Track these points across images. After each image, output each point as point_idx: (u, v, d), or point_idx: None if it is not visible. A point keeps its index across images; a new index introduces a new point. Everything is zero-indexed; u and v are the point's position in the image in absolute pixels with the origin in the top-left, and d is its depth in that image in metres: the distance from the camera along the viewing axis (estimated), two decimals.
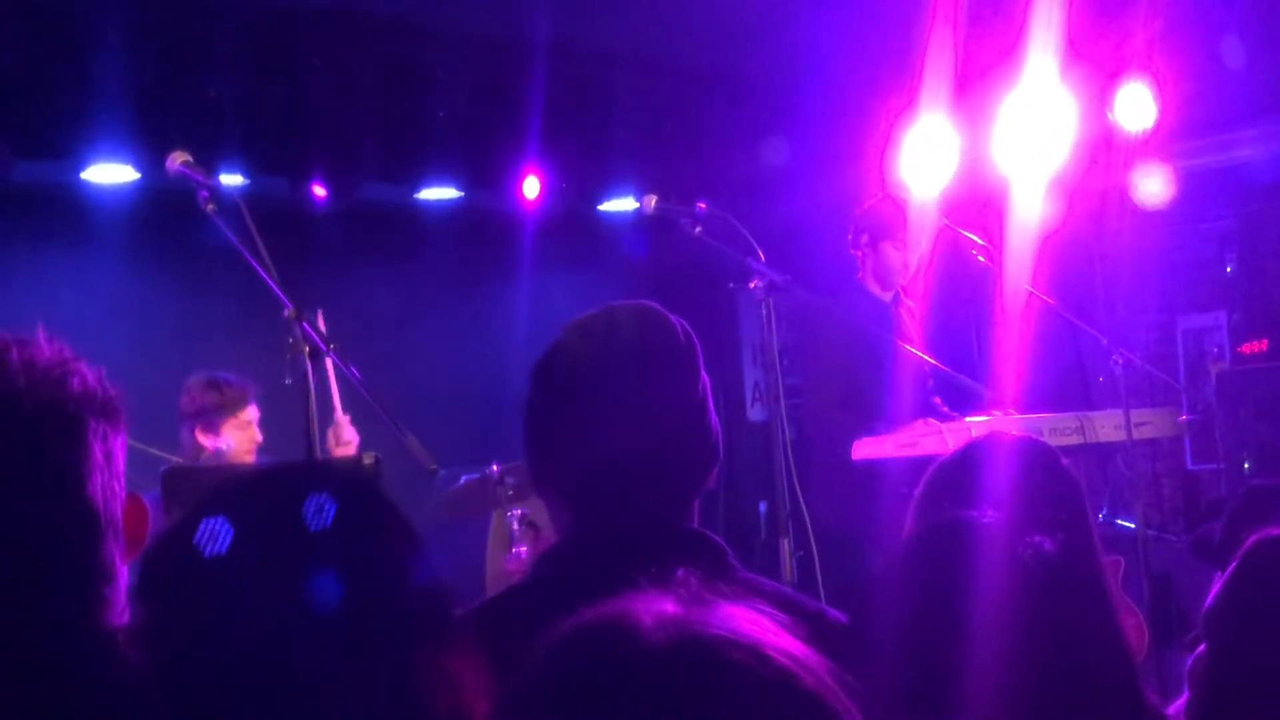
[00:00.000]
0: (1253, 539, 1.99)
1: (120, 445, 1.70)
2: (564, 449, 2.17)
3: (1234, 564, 1.98)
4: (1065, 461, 2.51)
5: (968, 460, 2.49)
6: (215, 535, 1.33)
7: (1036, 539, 1.70)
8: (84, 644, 1.62)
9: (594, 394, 2.16)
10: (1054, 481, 2.35)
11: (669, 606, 1.05)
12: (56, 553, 1.63)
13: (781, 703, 1.01)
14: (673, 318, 2.25)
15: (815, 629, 1.18)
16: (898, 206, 5.87)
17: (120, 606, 1.68)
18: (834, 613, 2.17)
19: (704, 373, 2.25)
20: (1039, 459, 2.45)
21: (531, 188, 7.11)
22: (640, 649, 1.01)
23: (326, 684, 1.31)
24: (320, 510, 1.34)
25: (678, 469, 2.19)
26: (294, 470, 1.43)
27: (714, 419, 2.25)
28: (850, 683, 1.07)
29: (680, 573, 1.09)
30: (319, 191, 6.76)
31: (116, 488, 1.68)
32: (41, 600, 1.62)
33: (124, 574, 1.71)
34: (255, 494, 1.40)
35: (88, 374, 1.67)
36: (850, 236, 5.97)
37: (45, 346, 1.66)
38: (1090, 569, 2.00)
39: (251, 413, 5.56)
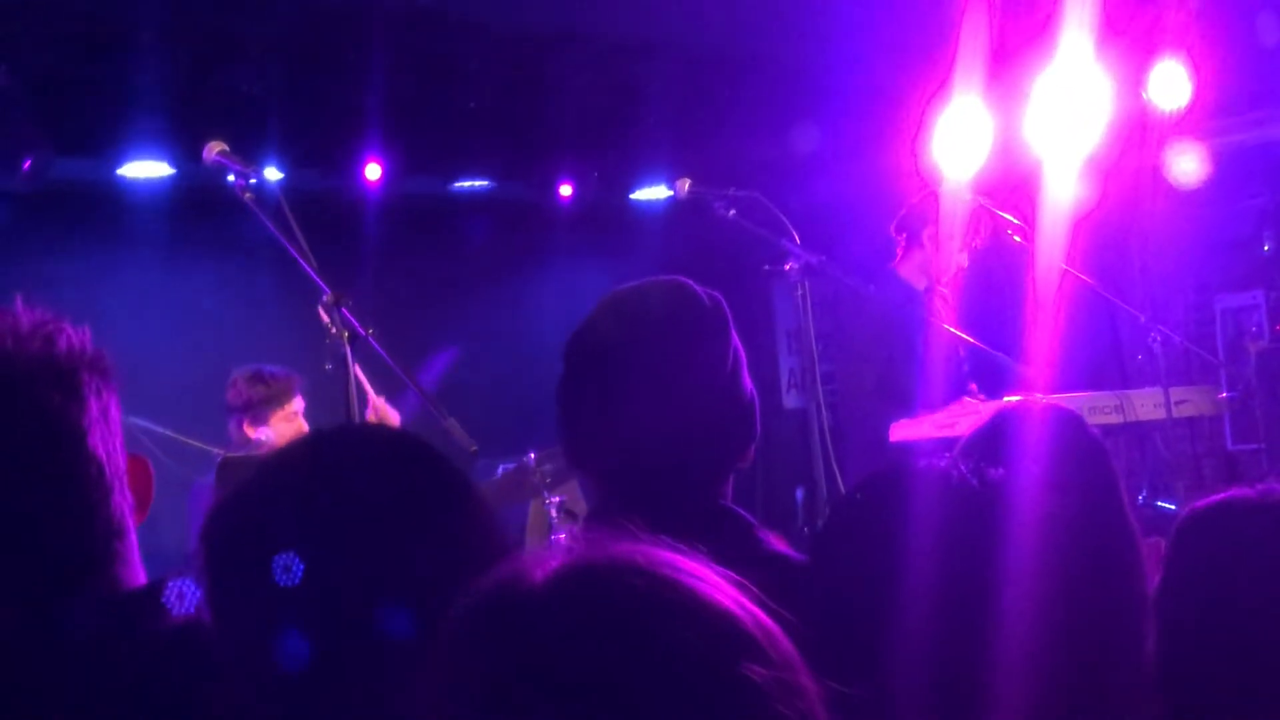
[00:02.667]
0: (1184, 513, 1.96)
1: (115, 404, 1.70)
2: (594, 424, 2.18)
3: (1170, 541, 1.96)
4: (1091, 427, 2.49)
5: (995, 427, 2.48)
6: (182, 595, 1.34)
7: (1057, 495, 1.69)
8: (97, 597, 1.63)
9: (624, 369, 2.16)
10: (1078, 445, 2.34)
11: (558, 555, 1.03)
12: (65, 506, 1.63)
13: (685, 623, 0.96)
14: (703, 292, 2.25)
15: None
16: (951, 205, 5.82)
17: (134, 562, 1.69)
18: (793, 554, 2.16)
19: (739, 348, 2.25)
20: (1064, 424, 2.44)
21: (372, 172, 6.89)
22: (522, 593, 0.99)
23: None
24: (288, 569, 1.34)
25: (709, 444, 2.18)
26: (265, 521, 1.42)
27: (749, 394, 2.24)
28: (794, 628, 1.02)
29: (569, 530, 1.07)
30: (373, 174, 6.77)
31: (116, 444, 1.68)
32: (52, 554, 1.63)
33: (132, 554, 1.71)
34: (224, 551, 1.40)
35: (73, 333, 1.68)
36: (896, 223, 5.93)
37: (26, 312, 1.67)
38: (1118, 529, 1.99)
39: (298, 404, 5.60)
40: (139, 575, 1.69)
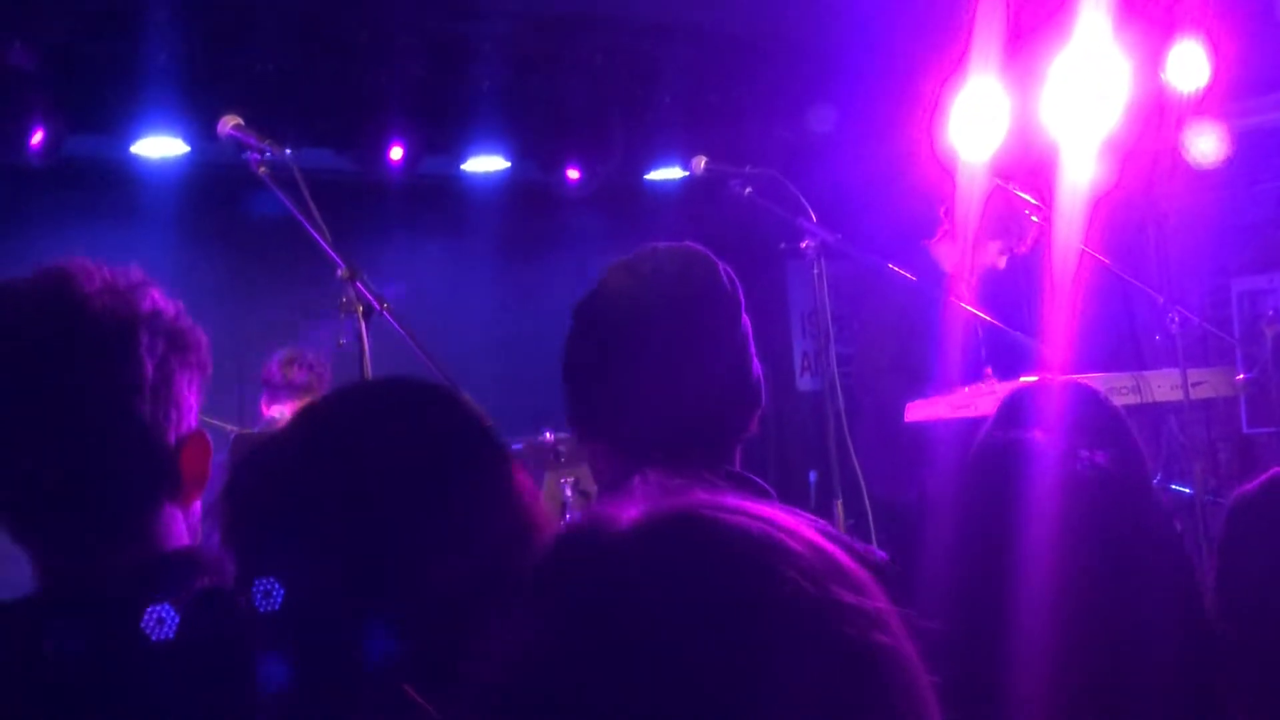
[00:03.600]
0: (1234, 495, 1.95)
1: (187, 378, 1.71)
2: (601, 389, 2.16)
3: (1223, 524, 1.94)
4: (1112, 402, 2.48)
5: (1016, 401, 2.47)
6: (162, 621, 1.33)
7: (1088, 453, 1.68)
8: (88, 562, 1.63)
9: (632, 334, 2.14)
10: (1102, 415, 2.32)
11: (642, 501, 1.01)
12: (77, 465, 1.64)
13: (781, 556, 0.95)
14: (714, 258, 2.23)
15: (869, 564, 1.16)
16: (1006, 209, 5.77)
17: (167, 537, 1.68)
18: (878, 551, 2.15)
19: (745, 315, 2.23)
20: (1085, 396, 2.43)
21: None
22: (616, 537, 0.98)
23: None
24: (268, 595, 1.33)
25: (717, 410, 2.17)
26: (247, 544, 1.41)
27: (755, 362, 2.23)
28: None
29: (640, 479, 1.06)
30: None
31: (173, 415, 1.68)
32: (65, 513, 1.64)
33: (175, 509, 1.71)
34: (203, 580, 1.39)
35: (162, 300, 1.70)
36: (947, 205, 5.89)
37: (133, 273, 1.73)
38: (1143, 487, 1.98)
39: None
40: (174, 545, 1.70)
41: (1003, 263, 5.76)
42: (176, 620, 1.34)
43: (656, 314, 2.15)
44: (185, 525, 1.73)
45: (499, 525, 1.36)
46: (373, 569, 1.33)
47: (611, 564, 0.97)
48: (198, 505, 1.76)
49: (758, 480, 2.15)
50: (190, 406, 1.72)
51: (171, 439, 1.69)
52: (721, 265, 2.22)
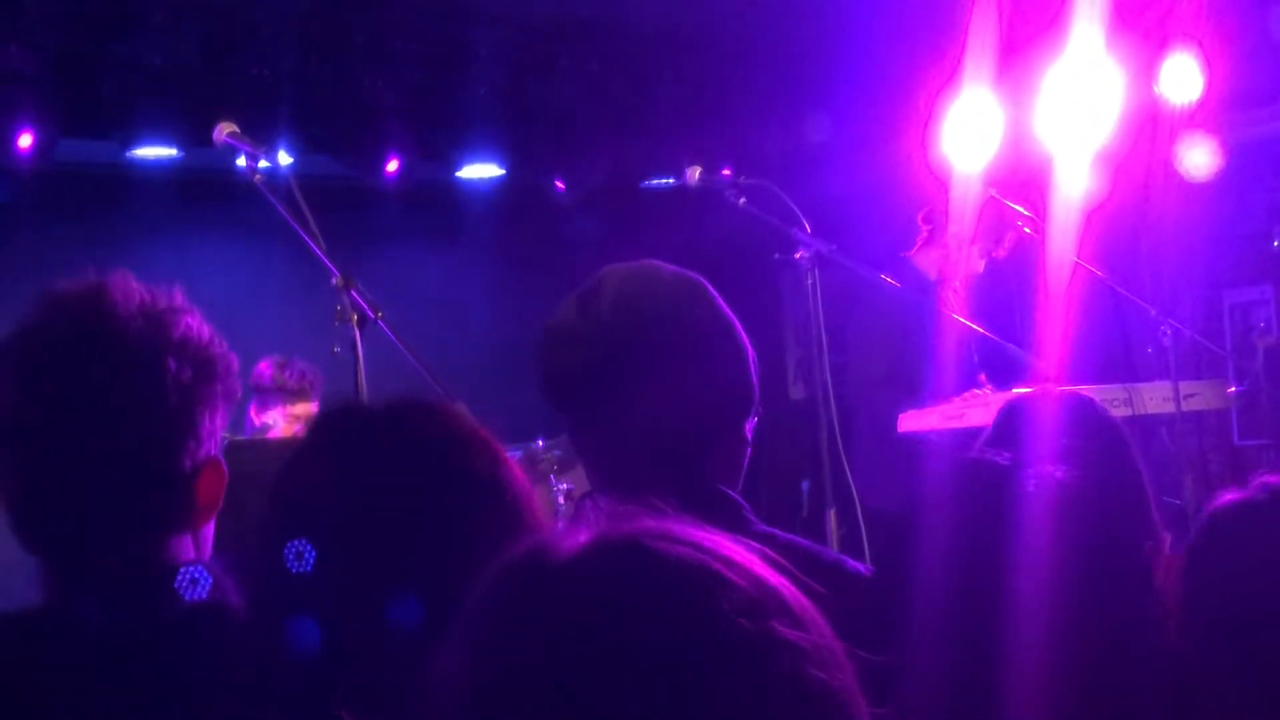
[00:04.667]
0: (1207, 510, 1.93)
1: (210, 406, 1.73)
2: (591, 410, 2.17)
3: (1194, 538, 1.93)
4: (1109, 413, 2.48)
5: (1011, 414, 2.47)
6: (195, 581, 1.35)
7: (1074, 473, 1.68)
8: (96, 578, 1.64)
9: (620, 358, 2.15)
10: (1097, 429, 2.33)
11: (589, 528, 1.02)
12: (92, 486, 1.66)
13: (723, 589, 0.95)
14: (693, 277, 2.23)
15: (832, 581, 1.16)
16: (991, 214, 5.79)
17: (175, 556, 1.70)
18: (854, 564, 2.15)
19: (740, 332, 2.23)
20: (1081, 410, 2.43)
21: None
22: (554, 564, 0.98)
23: None
24: (300, 556, 1.34)
25: (700, 423, 2.16)
26: (277, 508, 1.43)
27: (751, 377, 2.22)
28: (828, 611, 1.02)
29: (590, 503, 1.06)
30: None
31: (190, 444, 1.70)
32: (77, 532, 1.66)
33: (185, 535, 1.72)
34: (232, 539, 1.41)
35: (196, 327, 1.72)
36: (925, 213, 5.90)
37: (172, 296, 1.76)
38: (1134, 502, 1.98)
39: (308, 409, 5.53)
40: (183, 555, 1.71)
41: (981, 266, 5.76)
42: (210, 581, 1.35)
43: (639, 328, 2.15)
44: (194, 549, 1.74)
45: (499, 532, 1.37)
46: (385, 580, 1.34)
47: (550, 593, 0.97)
48: (209, 528, 1.78)
49: (729, 492, 2.15)
50: (211, 433, 1.74)
51: (187, 466, 1.71)
52: (699, 282, 2.22)
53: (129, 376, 1.67)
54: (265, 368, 5.56)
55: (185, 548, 1.72)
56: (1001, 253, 5.79)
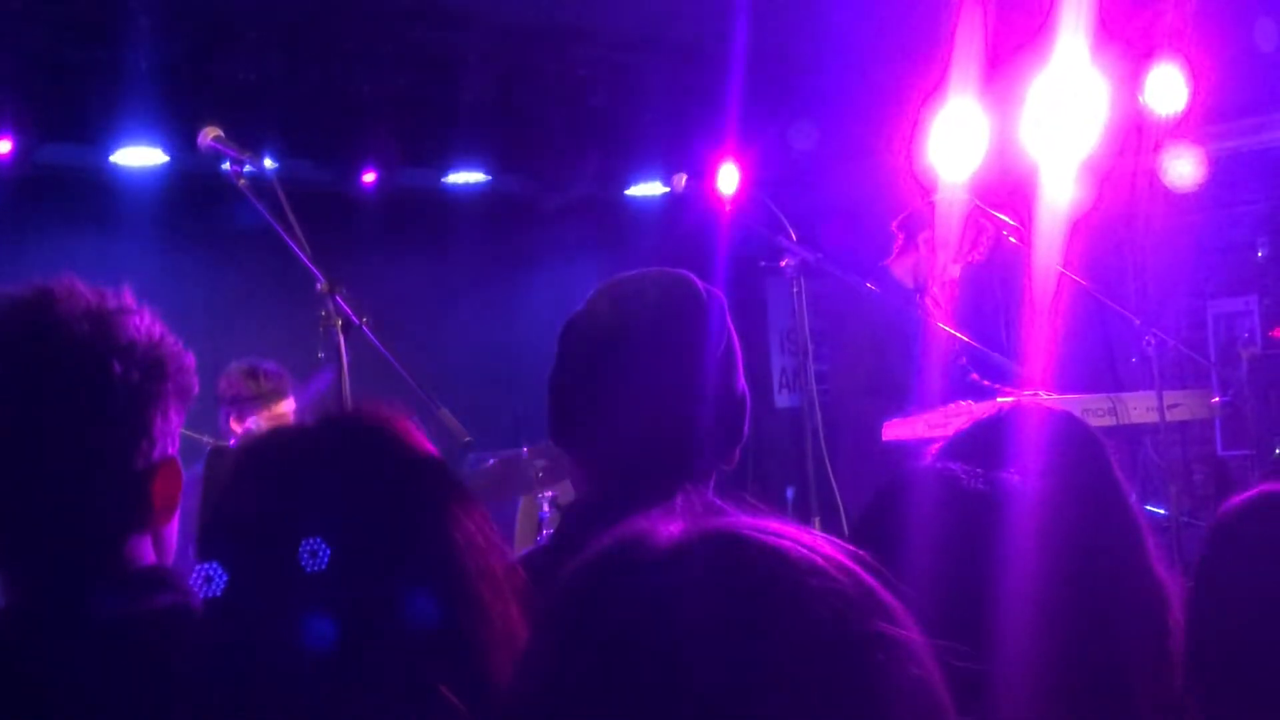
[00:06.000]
0: (1217, 515, 1.93)
1: (163, 406, 1.72)
2: (583, 410, 2.17)
3: (1203, 544, 1.92)
4: (1090, 426, 2.47)
5: (988, 426, 2.45)
6: (210, 579, 1.35)
7: (1030, 483, 1.68)
8: (57, 582, 1.63)
9: (615, 357, 2.15)
10: (1077, 445, 2.32)
11: (679, 520, 1.01)
12: (44, 491, 1.66)
13: (821, 581, 0.95)
14: (702, 286, 2.23)
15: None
16: (967, 217, 5.80)
17: (134, 558, 1.69)
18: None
19: (736, 347, 2.23)
20: (1063, 424, 2.42)
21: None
22: (652, 552, 0.97)
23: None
24: (315, 555, 1.34)
25: (694, 439, 2.16)
26: (290, 507, 1.42)
27: (740, 394, 2.23)
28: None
29: (681, 498, 1.06)
30: (356, 180, 6.77)
31: (143, 444, 1.69)
32: (32, 537, 1.66)
33: (143, 536, 1.72)
34: (249, 536, 1.40)
35: (144, 327, 1.71)
36: (899, 220, 5.91)
37: (120, 296, 1.74)
38: (1117, 515, 1.98)
39: (287, 406, 5.53)
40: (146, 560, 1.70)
41: (956, 271, 5.77)
42: (225, 579, 1.35)
43: (638, 337, 2.16)
44: (155, 551, 1.73)
45: (445, 562, 1.38)
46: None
47: (653, 584, 0.95)
48: (172, 528, 1.76)
49: (720, 504, 2.15)
50: (165, 433, 1.73)
51: (140, 467, 1.69)
52: (708, 293, 2.22)
53: (74, 380, 1.66)
54: (234, 378, 5.52)
55: (145, 549, 1.71)
56: (977, 257, 5.80)
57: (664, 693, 0.90)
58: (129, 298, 1.75)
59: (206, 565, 1.36)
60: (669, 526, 0.99)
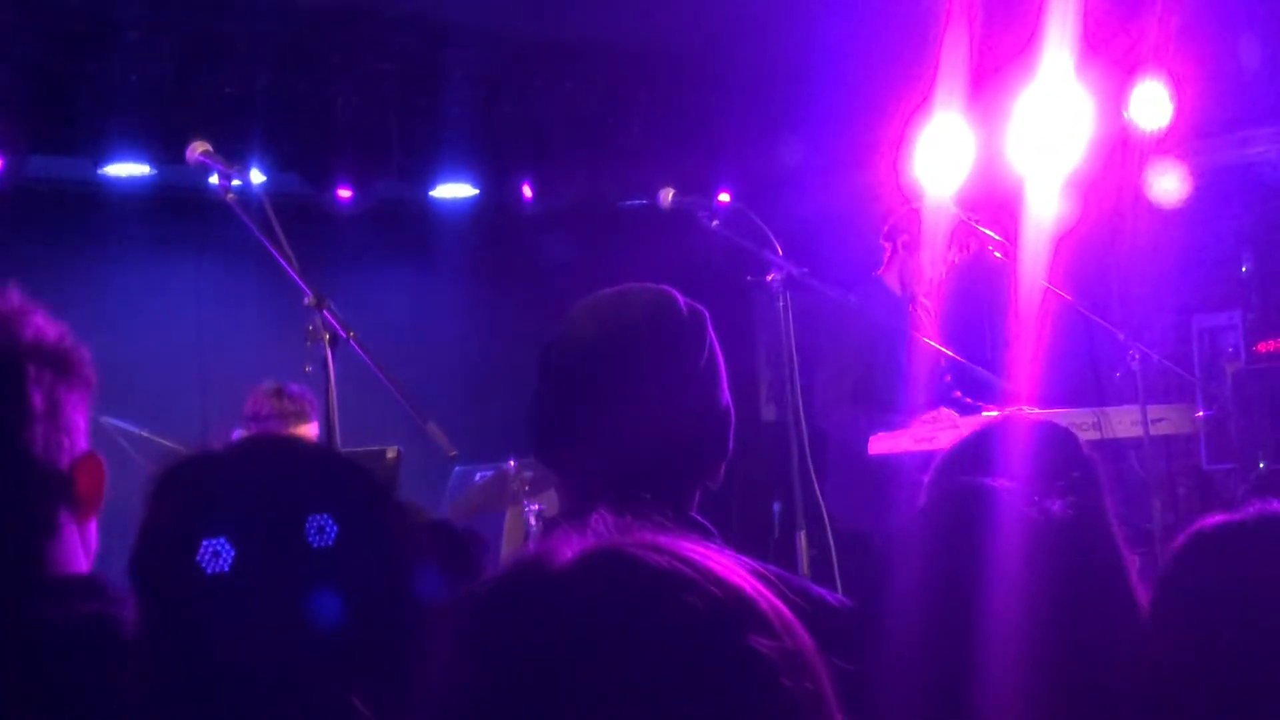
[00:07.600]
0: (1186, 533, 1.92)
1: (73, 400, 1.71)
2: (566, 426, 2.18)
3: (1169, 562, 1.92)
4: (1081, 442, 2.50)
5: (983, 438, 2.48)
6: (218, 554, 1.35)
7: (1046, 501, 1.70)
8: (9, 594, 1.63)
9: (598, 373, 2.16)
10: (1067, 458, 2.34)
11: (584, 539, 1.05)
12: None
13: (698, 597, 0.99)
14: (684, 302, 2.24)
15: (808, 607, 1.17)
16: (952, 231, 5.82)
17: (64, 564, 1.69)
18: (836, 597, 2.16)
19: (719, 362, 2.24)
20: (1054, 437, 2.44)
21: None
22: (552, 573, 1.02)
23: (325, 699, 1.35)
24: (322, 530, 1.36)
25: (678, 455, 2.18)
26: (295, 485, 1.44)
27: (725, 409, 2.23)
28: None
29: (596, 515, 1.10)
30: (344, 194, 6.78)
31: (64, 441, 1.69)
32: None
33: (73, 533, 1.71)
34: (256, 512, 1.41)
35: (44, 326, 1.70)
36: (885, 231, 5.93)
37: (12, 297, 1.71)
38: (1103, 536, 1.99)
39: (308, 430, 5.47)
40: (70, 570, 1.69)
41: (940, 273, 5.79)
42: (233, 554, 1.36)
43: (621, 354, 2.16)
44: (82, 546, 1.73)
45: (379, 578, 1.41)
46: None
47: (540, 605, 1.01)
48: (93, 525, 1.76)
49: (699, 519, 2.16)
50: (79, 428, 1.72)
51: (65, 464, 1.70)
52: (690, 309, 2.23)
53: None
54: (259, 396, 5.51)
55: (73, 547, 1.71)
56: (958, 257, 5.82)
57: (544, 705, 0.95)
58: (18, 297, 1.72)
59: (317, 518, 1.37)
60: (567, 548, 1.04)
